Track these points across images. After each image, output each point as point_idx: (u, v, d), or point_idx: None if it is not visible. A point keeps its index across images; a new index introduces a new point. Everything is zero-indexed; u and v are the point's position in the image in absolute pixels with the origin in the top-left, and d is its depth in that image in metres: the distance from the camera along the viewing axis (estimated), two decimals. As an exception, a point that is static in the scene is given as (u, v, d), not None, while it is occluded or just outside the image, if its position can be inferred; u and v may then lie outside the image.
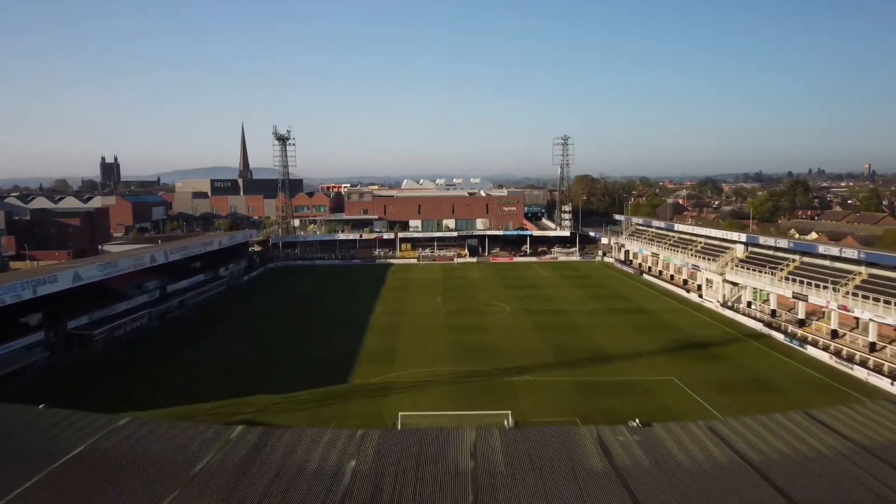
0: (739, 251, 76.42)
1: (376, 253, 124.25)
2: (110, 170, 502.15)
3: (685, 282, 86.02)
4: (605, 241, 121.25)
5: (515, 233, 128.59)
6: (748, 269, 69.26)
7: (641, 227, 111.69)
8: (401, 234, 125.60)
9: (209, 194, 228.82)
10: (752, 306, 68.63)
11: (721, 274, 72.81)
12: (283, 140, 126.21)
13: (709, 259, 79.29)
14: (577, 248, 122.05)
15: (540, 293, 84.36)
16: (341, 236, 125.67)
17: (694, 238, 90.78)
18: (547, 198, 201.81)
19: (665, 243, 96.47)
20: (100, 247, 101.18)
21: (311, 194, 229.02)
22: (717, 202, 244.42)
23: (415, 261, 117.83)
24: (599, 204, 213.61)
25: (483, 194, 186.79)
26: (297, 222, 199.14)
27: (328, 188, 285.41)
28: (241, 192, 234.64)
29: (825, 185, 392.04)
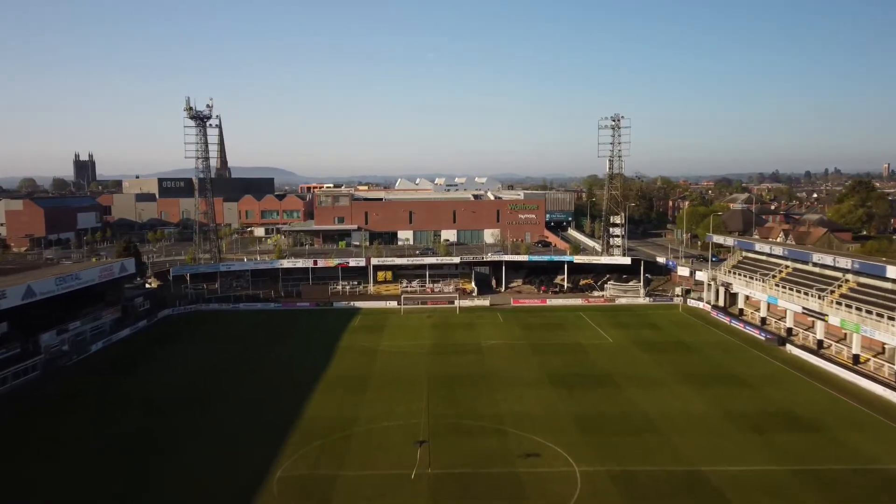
0: None
1: (339, 288, 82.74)
2: (84, 168, 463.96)
3: (901, 376, 44.46)
4: (682, 271, 79.62)
5: (547, 258, 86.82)
6: None
7: (768, 260, 68.20)
8: (376, 261, 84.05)
9: (157, 196, 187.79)
10: None
11: None
12: (201, 119, 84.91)
13: None
14: (641, 284, 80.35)
15: (621, 400, 42.67)
16: (286, 264, 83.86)
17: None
18: (574, 201, 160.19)
19: (832, 294, 54.45)
20: None
21: (281, 196, 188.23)
22: (772, 206, 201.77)
23: (395, 304, 76.09)
24: (635, 210, 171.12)
25: (491, 197, 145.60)
26: (261, 231, 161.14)
27: (308, 188, 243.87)
28: (196, 195, 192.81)
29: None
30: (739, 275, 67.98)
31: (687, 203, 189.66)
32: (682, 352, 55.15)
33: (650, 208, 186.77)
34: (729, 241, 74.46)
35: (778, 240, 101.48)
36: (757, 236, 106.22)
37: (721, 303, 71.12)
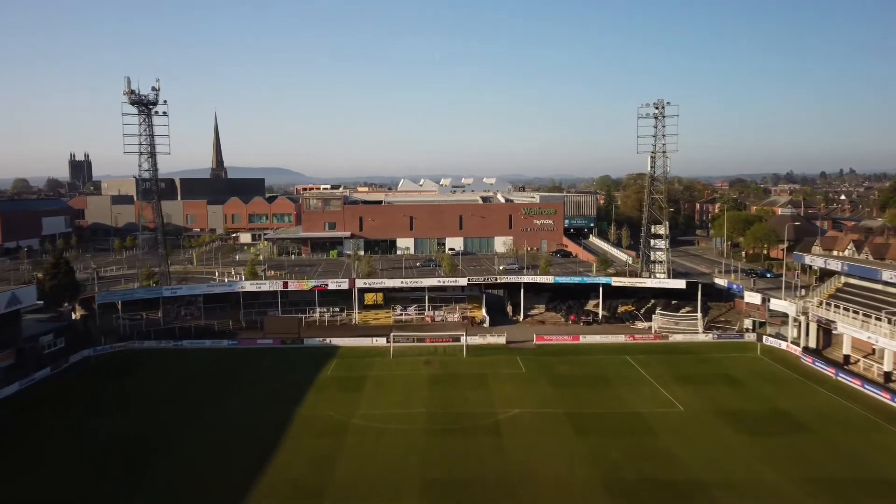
0: None
1: (316, 317, 65.82)
2: (80, 168, 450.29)
3: None
4: (751, 298, 62.13)
5: (577, 280, 69.53)
6: None
7: (886, 290, 50.39)
8: (361, 283, 66.97)
9: (135, 198, 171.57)
10: None
11: None
12: (145, 105, 68.27)
13: None
14: (699, 314, 62.87)
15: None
16: (248, 286, 66.82)
17: None
18: (596, 205, 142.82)
19: None
20: None
21: (272, 199, 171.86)
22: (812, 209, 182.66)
23: (383, 341, 58.76)
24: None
25: (502, 200, 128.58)
26: (247, 237, 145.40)
27: (305, 189, 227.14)
28: (179, 196, 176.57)
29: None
30: (846, 310, 50.23)
31: (717, 207, 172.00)
32: (789, 430, 37.80)
33: (677, 212, 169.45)
34: (833, 264, 56.28)
35: (846, 253, 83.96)
36: (819, 248, 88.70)
37: (812, 343, 53.71)
